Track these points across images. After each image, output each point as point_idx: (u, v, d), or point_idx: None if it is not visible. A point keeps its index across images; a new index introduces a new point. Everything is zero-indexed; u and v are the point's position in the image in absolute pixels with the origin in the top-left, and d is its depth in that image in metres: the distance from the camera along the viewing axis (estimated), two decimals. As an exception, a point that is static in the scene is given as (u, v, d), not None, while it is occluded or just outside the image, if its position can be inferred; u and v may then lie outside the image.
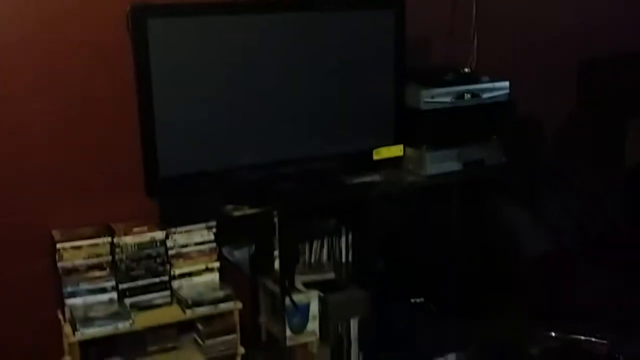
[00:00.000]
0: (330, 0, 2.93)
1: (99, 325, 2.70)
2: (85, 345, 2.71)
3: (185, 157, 2.74)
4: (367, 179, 3.08)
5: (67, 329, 2.73)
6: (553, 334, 3.08)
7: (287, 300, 2.96)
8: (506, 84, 3.21)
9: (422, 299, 3.34)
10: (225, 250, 3.07)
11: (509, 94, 3.22)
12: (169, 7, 2.63)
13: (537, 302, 3.26)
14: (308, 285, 3.08)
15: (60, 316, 2.83)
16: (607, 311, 3.16)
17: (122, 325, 2.72)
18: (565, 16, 3.80)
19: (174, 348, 2.95)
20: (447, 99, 3.08)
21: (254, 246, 3.06)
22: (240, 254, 3.08)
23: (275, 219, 2.87)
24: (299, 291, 3.05)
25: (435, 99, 3.05)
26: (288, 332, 3.01)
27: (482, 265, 3.29)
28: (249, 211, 2.84)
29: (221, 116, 2.79)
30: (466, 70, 3.16)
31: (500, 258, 3.32)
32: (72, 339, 2.68)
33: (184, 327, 2.97)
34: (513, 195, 3.33)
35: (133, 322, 2.75)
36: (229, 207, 2.85)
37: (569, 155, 3.72)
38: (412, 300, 3.33)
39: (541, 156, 3.50)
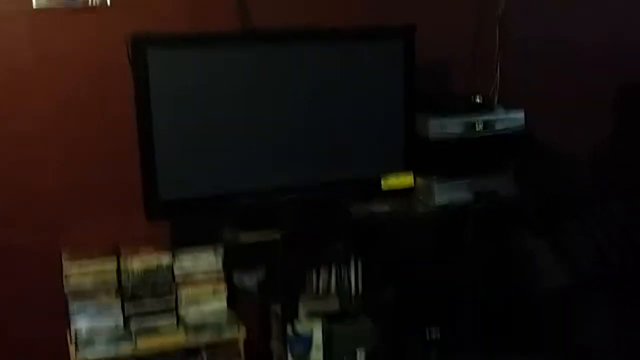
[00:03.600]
0: (337, 30, 2.95)
1: (101, 348, 2.75)
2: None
3: (187, 182, 2.78)
4: (376, 207, 3.05)
5: (72, 349, 2.79)
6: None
7: (289, 329, 2.95)
8: (521, 114, 3.14)
9: (438, 332, 3.27)
10: (235, 276, 3.09)
11: (524, 124, 3.14)
12: (169, 37, 2.68)
13: (555, 338, 3.16)
14: (313, 315, 3.06)
15: (68, 336, 2.88)
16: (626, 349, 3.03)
17: (124, 349, 2.77)
18: (598, 40, 3.64)
19: (179, 373, 2.97)
20: (457, 130, 3.03)
21: (263, 272, 3.08)
22: (250, 280, 3.10)
23: (279, 246, 2.87)
24: (301, 320, 3.03)
25: (444, 129, 3.01)
26: (290, 361, 3.00)
27: (500, 298, 3.21)
28: (254, 238, 2.86)
29: (224, 143, 2.82)
30: (478, 99, 3.09)
31: (517, 290, 3.23)
32: (75, 360, 2.74)
33: (191, 352, 2.96)
34: (531, 227, 3.23)
35: (135, 346, 2.78)
36: (235, 232, 2.88)
37: (597, 185, 3.60)
38: (427, 332, 3.27)
39: (564, 187, 3.38)
